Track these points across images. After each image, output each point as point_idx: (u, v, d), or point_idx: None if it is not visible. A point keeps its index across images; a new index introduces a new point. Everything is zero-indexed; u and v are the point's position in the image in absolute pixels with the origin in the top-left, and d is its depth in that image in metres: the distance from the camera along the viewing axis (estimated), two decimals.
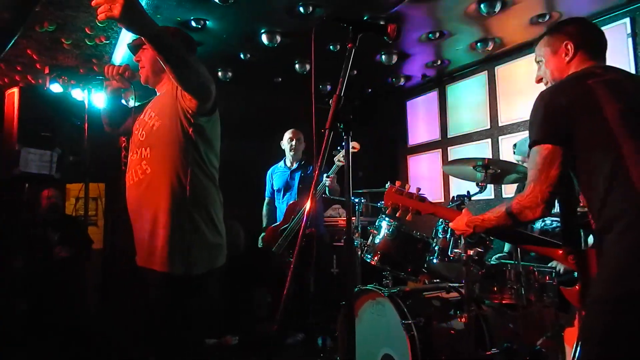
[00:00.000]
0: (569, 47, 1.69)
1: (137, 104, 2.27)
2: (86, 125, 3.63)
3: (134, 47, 2.19)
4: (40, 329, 3.82)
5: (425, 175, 5.42)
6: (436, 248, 2.73)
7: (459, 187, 4.52)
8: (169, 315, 1.92)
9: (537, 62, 1.81)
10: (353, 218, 4.75)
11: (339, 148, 3.64)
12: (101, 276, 4.76)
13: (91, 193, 4.58)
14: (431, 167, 5.34)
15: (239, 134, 4.27)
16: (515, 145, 3.50)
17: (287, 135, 4.23)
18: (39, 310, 3.88)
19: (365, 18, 3.61)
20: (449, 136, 5.15)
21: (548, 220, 3.24)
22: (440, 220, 2.79)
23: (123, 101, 2.49)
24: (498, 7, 3.41)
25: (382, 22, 1.60)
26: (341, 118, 1.50)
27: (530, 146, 1.58)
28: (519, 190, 3.38)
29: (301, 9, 3.39)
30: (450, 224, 1.82)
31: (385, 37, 1.60)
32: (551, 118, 1.56)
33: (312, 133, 1.53)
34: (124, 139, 2.82)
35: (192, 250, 1.91)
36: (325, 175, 3.67)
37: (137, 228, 2.01)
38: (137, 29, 1.61)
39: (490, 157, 4.58)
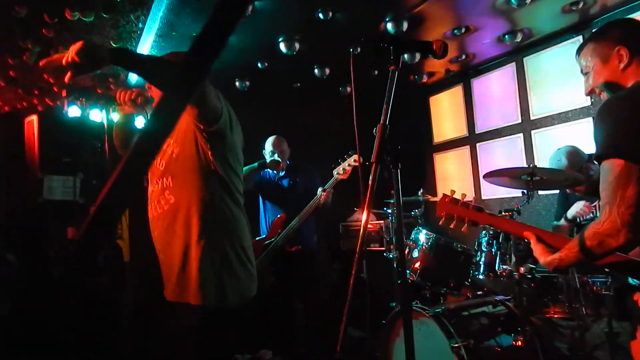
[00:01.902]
0: (622, 52, 1.53)
1: None
2: (107, 146, 3.58)
3: None
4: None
5: (453, 174, 5.23)
6: (481, 262, 2.58)
7: (492, 186, 4.31)
8: (203, 347, 1.84)
9: (585, 74, 1.65)
10: (379, 225, 4.69)
11: (340, 160, 3.47)
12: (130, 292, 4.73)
13: None
14: (460, 165, 5.15)
15: (259, 142, 4.15)
16: (550, 160, 3.20)
17: (268, 146, 3.86)
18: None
19: (387, 19, 3.46)
20: (477, 132, 4.95)
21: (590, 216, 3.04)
22: (484, 232, 2.63)
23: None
24: None
25: (426, 41, 1.45)
26: (388, 149, 1.36)
27: (597, 160, 1.42)
28: (562, 197, 3.19)
29: (320, 16, 3.25)
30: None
31: (430, 55, 1.46)
32: (621, 130, 1.39)
33: (358, 168, 1.41)
34: None
35: (225, 281, 1.84)
36: (320, 188, 3.48)
37: (165, 261, 1.93)
38: (98, 62, 1.59)
39: (524, 152, 4.40)
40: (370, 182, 1.35)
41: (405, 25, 3.48)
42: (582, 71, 1.65)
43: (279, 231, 3.55)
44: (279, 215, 3.67)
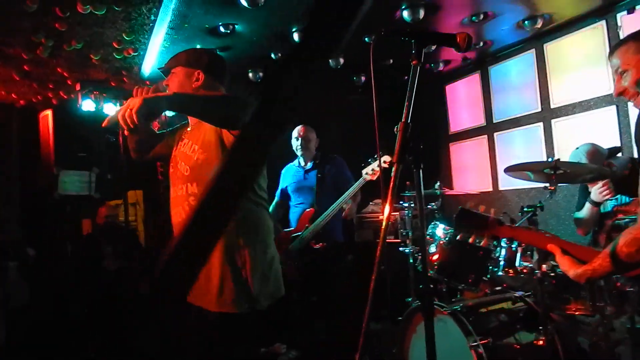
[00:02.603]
0: None
1: (168, 129, 2.15)
2: (121, 140, 3.57)
3: (164, 72, 2.07)
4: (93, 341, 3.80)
5: (470, 164, 5.14)
6: (500, 258, 2.51)
7: (509, 177, 4.21)
8: (234, 353, 1.83)
9: (619, 73, 1.57)
10: (394, 217, 4.64)
11: (370, 160, 3.39)
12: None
13: (129, 199, 4.59)
14: (477, 155, 5.05)
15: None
16: (570, 159, 3.09)
17: (294, 133, 3.83)
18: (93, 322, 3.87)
19: (403, 7, 3.37)
20: (494, 121, 4.84)
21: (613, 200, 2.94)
22: None
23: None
24: None
25: (449, 33, 1.38)
26: (410, 148, 1.31)
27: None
28: (583, 187, 3.09)
29: None
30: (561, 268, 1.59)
31: (454, 48, 1.39)
32: None
33: (379, 166, 1.37)
34: None
35: (256, 287, 1.81)
36: (346, 201, 3.41)
37: None
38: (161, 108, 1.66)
39: (544, 141, 4.30)
40: (391, 183, 1.30)
41: (422, 13, 3.39)
42: (617, 70, 1.56)
43: (307, 226, 3.50)
44: (307, 210, 3.63)
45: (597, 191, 2.81)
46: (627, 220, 2.94)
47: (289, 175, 3.92)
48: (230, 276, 1.78)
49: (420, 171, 1.36)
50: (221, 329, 1.80)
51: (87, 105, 3.87)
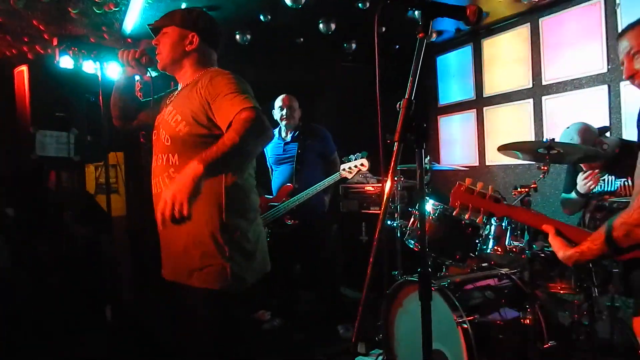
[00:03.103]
0: None
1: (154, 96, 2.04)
2: (101, 100, 3.41)
3: (154, 30, 1.94)
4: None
5: (458, 138, 5.11)
6: (490, 236, 2.51)
7: (496, 152, 4.18)
8: (218, 330, 1.79)
9: (631, 55, 1.53)
10: (380, 188, 4.60)
11: (350, 157, 3.34)
12: (129, 249, 4.68)
13: (110, 161, 4.45)
14: (465, 129, 5.02)
15: (258, 99, 3.98)
16: (561, 138, 3.06)
17: (277, 103, 3.73)
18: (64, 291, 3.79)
19: None
20: (484, 95, 4.79)
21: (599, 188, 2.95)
22: None
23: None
24: None
25: (459, 6, 1.31)
26: (412, 127, 1.25)
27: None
28: (569, 173, 3.10)
29: None
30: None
31: (463, 22, 1.32)
32: None
33: (379, 143, 1.30)
34: None
35: (242, 265, 1.76)
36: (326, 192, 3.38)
37: (168, 243, 1.84)
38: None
39: (533, 118, 4.28)
40: (392, 162, 1.24)
41: None
42: (629, 52, 1.52)
43: (284, 199, 3.44)
44: (285, 185, 3.56)
45: (581, 182, 2.83)
46: (611, 200, 2.97)
47: (270, 147, 3.81)
48: (215, 252, 1.72)
49: (423, 151, 1.30)
50: (207, 304, 1.75)
51: (65, 61, 3.69)
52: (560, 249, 1.50)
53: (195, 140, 1.72)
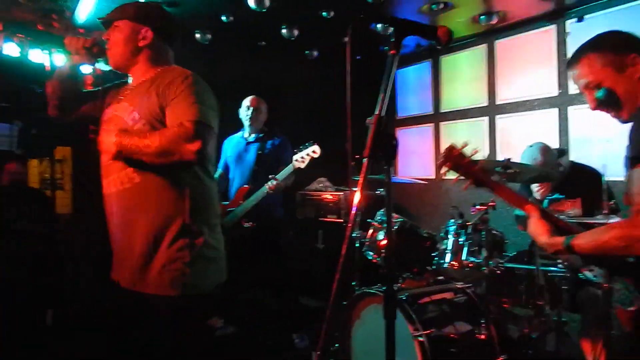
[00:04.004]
0: (637, 60, 1.43)
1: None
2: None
3: (105, 23, 1.82)
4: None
5: (415, 150, 5.19)
6: (447, 250, 2.54)
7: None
8: (172, 336, 1.70)
9: (590, 88, 1.50)
10: (337, 196, 4.63)
11: (301, 147, 3.34)
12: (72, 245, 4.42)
13: (56, 155, 4.20)
14: (422, 142, 5.11)
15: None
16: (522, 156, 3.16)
17: (245, 102, 3.68)
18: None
19: None
20: (441, 110, 4.91)
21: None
22: (452, 220, 2.60)
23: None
24: None
25: (432, 25, 1.32)
26: (382, 143, 1.23)
27: (633, 162, 1.36)
28: (521, 189, 3.20)
29: None
30: (529, 231, 1.56)
31: (433, 42, 1.33)
32: None
33: (348, 156, 1.28)
34: None
35: (198, 268, 1.67)
36: (271, 177, 3.32)
37: (121, 244, 1.72)
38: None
39: (487, 136, 4.42)
40: (360, 180, 1.22)
41: None
42: (587, 85, 1.50)
43: (240, 202, 3.37)
44: (242, 186, 3.48)
45: (537, 192, 2.93)
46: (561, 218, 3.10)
47: (230, 146, 3.77)
48: (174, 258, 1.63)
49: (390, 169, 1.29)
50: (163, 311, 1.66)
51: (10, 49, 3.44)
52: (543, 234, 1.50)
53: None
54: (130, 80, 1.85)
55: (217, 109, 1.72)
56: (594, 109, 1.53)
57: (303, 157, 3.32)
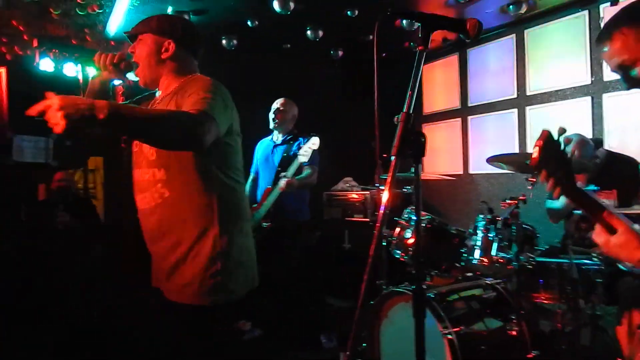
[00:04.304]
0: None
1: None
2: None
3: (131, 37, 1.86)
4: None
5: (443, 146, 5.12)
6: (476, 246, 2.50)
7: (480, 161, 4.26)
8: (203, 344, 1.73)
9: (624, 67, 1.35)
10: (363, 195, 4.62)
11: (304, 139, 3.35)
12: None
13: (89, 165, 4.35)
14: (450, 137, 5.04)
15: (243, 105, 3.92)
16: None
17: (274, 105, 3.70)
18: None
19: None
20: (469, 105, 4.82)
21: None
22: (482, 216, 2.56)
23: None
24: None
25: (459, 19, 1.30)
26: (410, 141, 1.23)
27: None
28: None
29: None
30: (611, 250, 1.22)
31: (462, 35, 1.30)
32: None
33: (376, 156, 1.28)
34: None
35: (231, 275, 1.69)
36: (283, 175, 3.32)
37: (157, 256, 1.78)
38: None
39: (517, 128, 4.32)
40: (389, 178, 1.22)
41: None
42: (621, 64, 1.34)
43: (263, 203, 3.41)
44: (267, 188, 3.52)
45: None
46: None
47: (261, 149, 3.82)
48: (207, 266, 1.65)
49: (420, 166, 1.28)
50: (195, 321, 1.68)
51: (45, 64, 3.60)
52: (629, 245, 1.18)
53: (182, 154, 1.65)
54: (158, 93, 1.90)
55: (231, 109, 1.70)
56: (629, 88, 1.38)
57: (306, 150, 3.34)
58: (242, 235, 1.76)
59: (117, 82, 2.07)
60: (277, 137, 3.75)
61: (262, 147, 3.81)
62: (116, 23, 3.78)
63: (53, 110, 1.26)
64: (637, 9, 1.34)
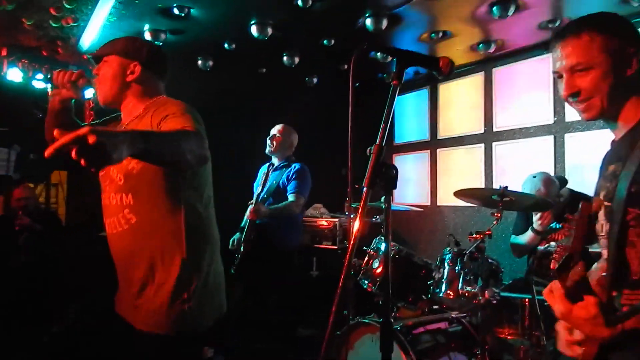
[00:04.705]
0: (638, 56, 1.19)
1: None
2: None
3: (96, 59, 1.81)
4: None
5: (412, 177, 5.21)
6: (443, 280, 2.53)
7: (448, 193, 4.32)
8: None
9: (575, 71, 1.22)
10: (332, 222, 4.63)
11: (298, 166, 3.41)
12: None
13: (52, 179, 4.21)
14: (419, 169, 5.13)
15: (215, 125, 3.89)
16: (523, 185, 3.06)
17: (272, 131, 3.73)
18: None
19: (367, 14, 3.32)
20: (439, 137, 4.94)
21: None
22: (448, 248, 2.59)
23: None
24: (512, 10, 3.17)
25: (433, 56, 1.35)
26: (382, 173, 1.25)
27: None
28: (521, 217, 3.20)
29: (299, 2, 3.07)
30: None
31: (434, 72, 1.35)
32: None
33: (347, 184, 1.30)
34: None
35: (199, 303, 1.64)
36: (249, 203, 3.35)
37: (124, 282, 1.72)
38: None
39: (483, 162, 4.44)
40: (360, 209, 1.23)
41: (384, 23, 3.37)
42: (572, 66, 1.22)
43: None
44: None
45: (537, 221, 2.92)
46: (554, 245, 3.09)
47: (260, 173, 3.80)
48: (173, 294, 1.60)
49: (390, 197, 1.30)
50: (160, 351, 1.61)
51: (14, 74, 3.50)
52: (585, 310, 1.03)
53: (150, 176, 1.61)
54: (121, 117, 1.82)
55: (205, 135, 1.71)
56: (566, 96, 1.26)
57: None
58: (212, 261, 1.72)
59: (88, 96, 2.02)
60: (275, 162, 3.75)
61: (261, 171, 3.80)
62: (90, 38, 3.72)
63: (86, 146, 1.04)
64: (613, 20, 1.27)
